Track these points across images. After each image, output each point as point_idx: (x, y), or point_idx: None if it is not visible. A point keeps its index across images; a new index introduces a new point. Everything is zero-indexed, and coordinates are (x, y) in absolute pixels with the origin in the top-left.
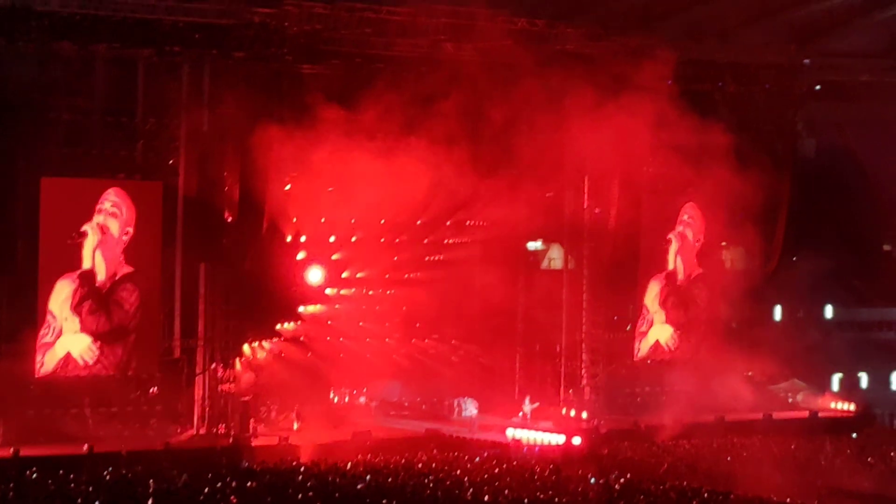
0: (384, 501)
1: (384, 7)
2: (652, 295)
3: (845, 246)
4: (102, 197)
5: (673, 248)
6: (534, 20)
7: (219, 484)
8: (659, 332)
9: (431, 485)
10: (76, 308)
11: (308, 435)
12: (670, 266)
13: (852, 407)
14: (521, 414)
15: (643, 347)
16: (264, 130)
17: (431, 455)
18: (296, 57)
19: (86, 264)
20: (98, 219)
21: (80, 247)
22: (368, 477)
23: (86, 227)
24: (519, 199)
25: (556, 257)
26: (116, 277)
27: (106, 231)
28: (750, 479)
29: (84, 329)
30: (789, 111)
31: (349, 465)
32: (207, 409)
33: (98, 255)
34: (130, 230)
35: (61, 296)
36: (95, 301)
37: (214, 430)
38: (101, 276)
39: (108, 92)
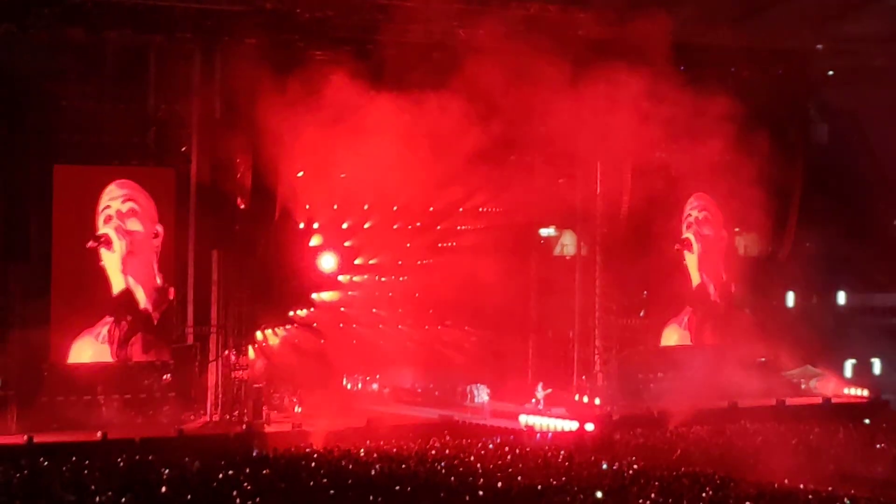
0: (397, 488)
1: None
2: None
3: (858, 232)
4: (104, 193)
5: (693, 256)
6: (546, 5)
7: (232, 471)
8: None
9: (444, 471)
10: (120, 351)
11: (321, 422)
12: (695, 280)
13: (865, 393)
14: (533, 400)
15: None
16: (276, 117)
17: (444, 441)
18: (308, 43)
19: (117, 285)
20: (112, 224)
21: (99, 261)
22: (379, 466)
23: (107, 230)
24: (531, 185)
25: (568, 243)
26: (158, 297)
27: (132, 235)
28: (763, 464)
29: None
30: (802, 96)
31: (362, 451)
32: (220, 395)
33: (130, 269)
34: (160, 229)
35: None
36: (149, 332)
37: (228, 416)
38: (142, 299)
39: (120, 79)
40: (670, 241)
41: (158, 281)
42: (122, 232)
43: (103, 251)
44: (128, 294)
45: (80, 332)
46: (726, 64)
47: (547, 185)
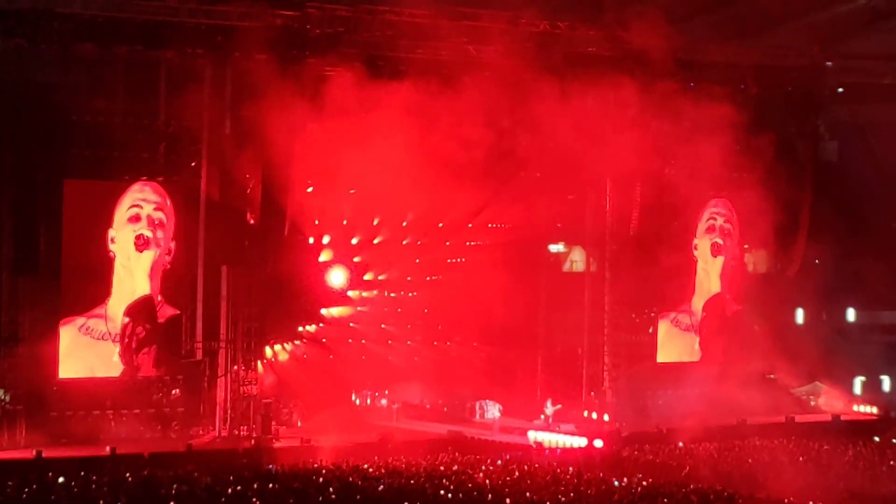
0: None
1: (406, 10)
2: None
3: (867, 248)
4: (133, 191)
5: (717, 262)
6: (556, 22)
7: (240, 486)
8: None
9: (452, 487)
10: (130, 359)
11: (330, 437)
12: (714, 287)
13: (874, 410)
14: (542, 416)
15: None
16: (286, 132)
17: (453, 457)
18: (318, 59)
19: (140, 289)
20: (143, 224)
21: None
22: (387, 481)
23: (145, 232)
24: (540, 201)
25: (577, 260)
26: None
27: (161, 245)
28: (772, 481)
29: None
30: (811, 114)
31: (371, 467)
32: (229, 411)
33: (154, 277)
34: (173, 247)
35: (66, 338)
36: (161, 346)
37: (236, 431)
38: (160, 311)
39: (131, 94)
40: (676, 252)
41: (159, 298)
42: (155, 240)
43: (132, 253)
44: (149, 302)
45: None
46: (736, 81)
47: (556, 201)
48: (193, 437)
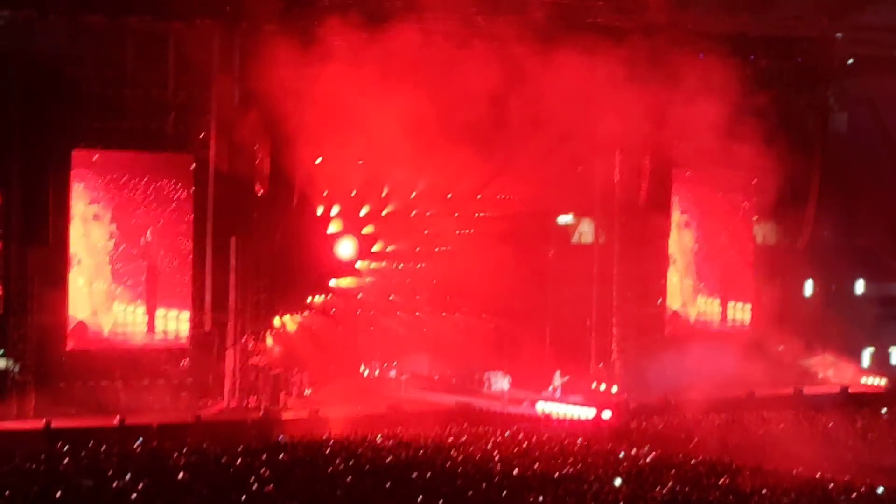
0: (414, 475)
1: None
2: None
3: (877, 220)
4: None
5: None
6: None
7: (249, 457)
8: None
9: (461, 458)
10: None
11: (338, 408)
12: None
13: (883, 382)
14: (551, 388)
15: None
16: (295, 103)
17: (461, 428)
18: (327, 29)
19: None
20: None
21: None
22: (396, 453)
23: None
24: (549, 173)
25: (586, 231)
26: None
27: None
28: (780, 453)
29: None
30: (821, 85)
31: (379, 438)
32: (238, 382)
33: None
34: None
35: None
36: None
37: (245, 403)
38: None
39: (139, 64)
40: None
41: None
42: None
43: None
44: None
45: None
46: (745, 52)
47: (565, 172)
48: (202, 408)
